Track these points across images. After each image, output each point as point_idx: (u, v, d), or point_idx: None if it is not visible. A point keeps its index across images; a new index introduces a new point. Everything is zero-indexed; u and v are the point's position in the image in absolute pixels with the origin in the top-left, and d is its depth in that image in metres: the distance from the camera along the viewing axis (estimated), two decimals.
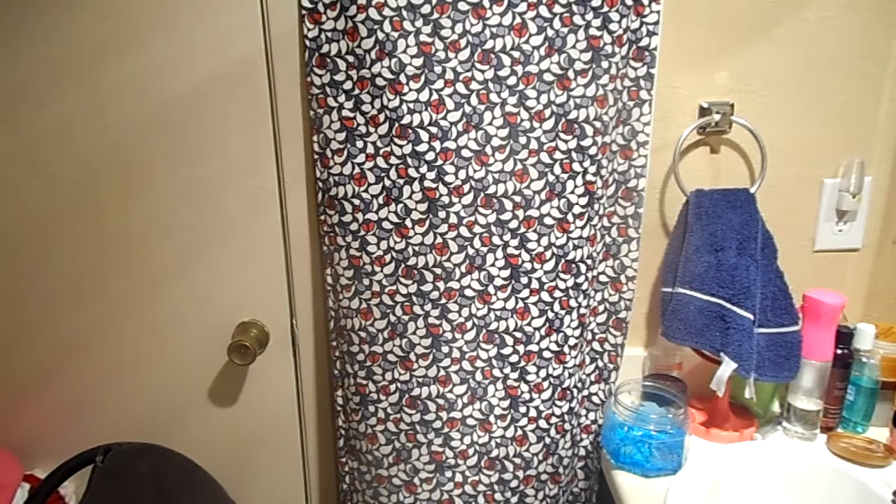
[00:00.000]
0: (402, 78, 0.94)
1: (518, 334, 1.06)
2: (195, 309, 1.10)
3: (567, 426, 1.11)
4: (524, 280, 1.04)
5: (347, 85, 0.97)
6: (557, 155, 0.99)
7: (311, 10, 0.95)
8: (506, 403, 1.09)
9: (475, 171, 0.99)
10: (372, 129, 0.98)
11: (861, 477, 0.99)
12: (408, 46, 0.94)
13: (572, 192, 1.01)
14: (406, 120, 0.96)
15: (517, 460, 1.12)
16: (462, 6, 0.93)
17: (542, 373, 1.08)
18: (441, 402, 1.08)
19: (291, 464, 1.20)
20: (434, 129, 0.96)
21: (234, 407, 1.15)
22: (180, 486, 1.04)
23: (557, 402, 1.09)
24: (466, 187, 0.99)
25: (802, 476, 1.03)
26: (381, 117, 0.97)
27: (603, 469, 1.11)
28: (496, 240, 1.02)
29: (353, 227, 1.02)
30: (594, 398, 1.15)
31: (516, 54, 0.95)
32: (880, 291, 1.18)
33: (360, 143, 0.99)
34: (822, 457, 1.04)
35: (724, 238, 1.04)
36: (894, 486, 0.94)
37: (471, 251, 1.02)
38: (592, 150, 0.99)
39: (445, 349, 1.06)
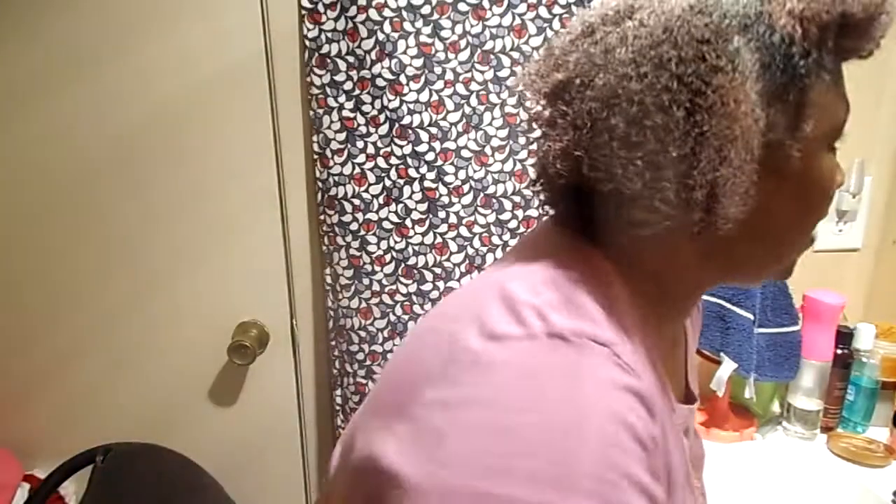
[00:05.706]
0: (403, 78, 0.94)
1: None
2: (195, 309, 1.10)
3: None
4: None
5: (348, 85, 0.97)
6: None
7: (311, 10, 0.95)
8: None
9: (475, 171, 0.99)
10: (372, 130, 0.98)
11: (861, 477, 0.98)
12: (408, 47, 0.94)
13: None
14: (406, 120, 0.96)
15: None
16: (462, 7, 0.93)
17: None
18: None
19: (291, 463, 1.19)
20: (434, 130, 0.96)
21: (234, 407, 1.15)
22: (180, 486, 1.04)
23: None
24: (466, 187, 0.99)
25: (802, 476, 1.03)
26: (382, 118, 0.97)
27: None
28: (495, 239, 1.02)
29: (353, 226, 1.02)
30: None
31: (516, 55, 0.95)
32: (880, 291, 1.18)
33: (360, 144, 0.99)
34: (822, 457, 1.04)
35: None
36: (894, 486, 0.93)
37: (470, 251, 1.02)
38: None
39: None
